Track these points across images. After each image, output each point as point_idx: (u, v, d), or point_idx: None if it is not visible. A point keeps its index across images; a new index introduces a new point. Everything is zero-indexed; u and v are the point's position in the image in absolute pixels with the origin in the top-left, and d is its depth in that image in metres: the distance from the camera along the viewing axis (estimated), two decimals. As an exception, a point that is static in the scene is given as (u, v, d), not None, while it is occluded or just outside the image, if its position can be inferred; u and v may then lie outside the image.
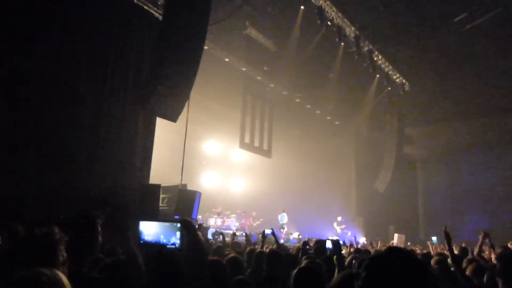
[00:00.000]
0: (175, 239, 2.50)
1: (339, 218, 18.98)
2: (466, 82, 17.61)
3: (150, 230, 2.66)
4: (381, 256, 1.38)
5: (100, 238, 2.16)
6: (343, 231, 19.05)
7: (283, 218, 17.47)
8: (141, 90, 9.53)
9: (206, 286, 2.24)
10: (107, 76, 8.94)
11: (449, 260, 4.46)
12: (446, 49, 16.06)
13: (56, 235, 1.57)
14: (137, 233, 2.68)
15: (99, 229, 2.16)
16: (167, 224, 2.67)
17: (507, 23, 14.07)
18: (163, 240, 2.57)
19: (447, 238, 4.50)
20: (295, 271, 2.72)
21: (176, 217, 10.00)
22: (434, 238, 19.17)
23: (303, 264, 2.86)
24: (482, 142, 20.10)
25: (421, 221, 22.25)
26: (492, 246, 5.79)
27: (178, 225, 2.49)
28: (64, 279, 1.28)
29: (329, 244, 4.05)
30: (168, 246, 2.53)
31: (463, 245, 9.66)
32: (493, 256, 6.42)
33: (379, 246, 11.55)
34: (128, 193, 8.88)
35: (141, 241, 2.59)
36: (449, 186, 21.31)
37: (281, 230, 16.76)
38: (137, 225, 2.70)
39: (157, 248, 2.37)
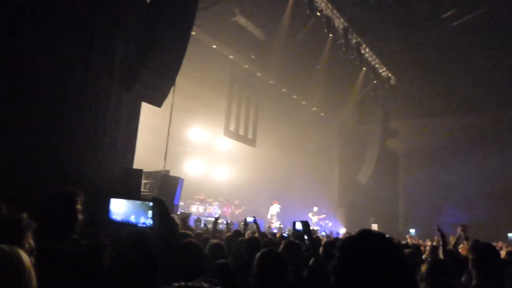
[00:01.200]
0: (146, 218, 2.45)
1: (315, 209, 19.13)
2: (451, 78, 17.86)
3: (120, 208, 2.60)
4: (354, 236, 1.40)
5: (79, 216, 2.11)
6: (321, 221, 19.26)
7: (274, 209, 17.67)
8: (126, 74, 9.39)
9: (178, 266, 2.23)
10: (92, 59, 8.77)
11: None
12: (432, 44, 16.24)
13: (23, 222, 1.53)
14: (106, 211, 2.63)
15: (79, 206, 2.11)
16: (138, 202, 2.61)
17: (493, 21, 14.27)
18: (133, 219, 2.51)
19: (442, 235, 4.95)
20: (257, 256, 2.71)
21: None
22: (412, 231, 19.57)
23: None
24: (464, 138, 20.46)
25: (400, 213, 22.64)
26: (466, 239, 5.98)
27: (151, 204, 2.43)
28: (25, 257, 1.25)
29: (299, 226, 4.11)
30: (139, 225, 2.48)
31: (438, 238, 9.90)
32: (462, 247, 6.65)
33: None
34: (110, 177, 8.79)
35: (111, 220, 2.53)
36: (430, 181, 21.68)
37: (271, 221, 16.89)
38: (108, 202, 2.63)
39: (127, 227, 2.32)
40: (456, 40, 15.53)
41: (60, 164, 7.68)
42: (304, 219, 3.87)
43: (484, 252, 3.09)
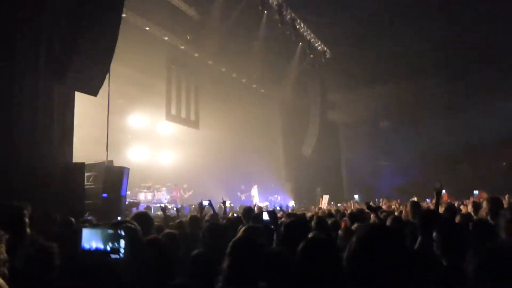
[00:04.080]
0: (118, 247, 2.36)
1: (243, 187, 19.52)
2: (383, 48, 18.63)
3: (92, 238, 2.48)
4: (372, 231, 1.53)
5: (28, 230, 2.00)
6: (270, 196, 19.78)
7: (255, 191, 17.93)
8: (56, 63, 8.82)
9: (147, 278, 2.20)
10: (16, 49, 8.12)
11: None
12: (364, 17, 16.77)
13: None
14: (78, 241, 2.50)
15: (27, 220, 1.99)
16: (110, 231, 2.50)
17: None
18: (104, 247, 2.41)
19: (437, 196, 5.06)
20: (230, 243, 2.63)
21: (104, 195, 9.65)
22: (356, 196, 20.60)
23: (240, 234, 2.87)
24: (398, 106, 21.60)
25: (344, 182, 23.70)
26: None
27: (123, 233, 2.35)
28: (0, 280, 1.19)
29: (265, 216, 4.12)
30: (111, 255, 2.39)
31: (384, 201, 10.57)
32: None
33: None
34: (49, 173, 8.33)
35: (82, 249, 2.42)
36: (369, 148, 22.83)
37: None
38: (80, 233, 2.51)
39: (98, 257, 2.23)
40: (385, 11, 16.16)
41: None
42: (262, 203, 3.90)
43: (424, 216, 3.33)
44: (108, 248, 2.12)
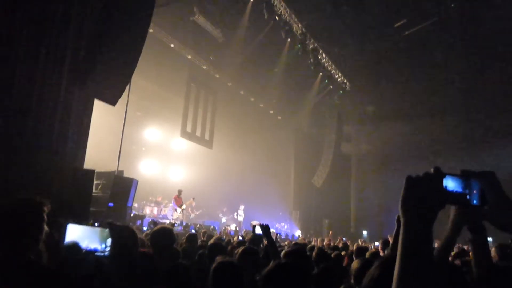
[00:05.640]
0: (104, 245, 2.32)
1: (224, 209, 19.18)
2: (402, 84, 18.64)
3: (77, 235, 2.43)
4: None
5: (45, 227, 1.98)
6: (277, 223, 19.47)
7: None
8: (79, 70, 9.00)
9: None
10: (41, 53, 8.32)
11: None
12: (385, 52, 16.86)
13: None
14: (62, 237, 2.46)
15: (45, 217, 1.98)
16: (97, 229, 2.46)
17: (440, 32, 15.04)
18: (90, 246, 2.37)
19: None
20: (212, 266, 2.63)
21: (110, 204, 9.63)
22: (364, 232, 20.19)
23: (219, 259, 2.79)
24: (414, 142, 21.37)
25: (352, 216, 23.30)
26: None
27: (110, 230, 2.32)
28: None
29: (259, 230, 4.03)
30: (96, 253, 2.34)
31: (390, 238, 10.30)
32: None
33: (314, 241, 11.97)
34: (59, 176, 8.38)
35: (66, 245, 2.38)
36: (381, 183, 22.49)
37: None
38: (65, 228, 2.47)
39: (83, 256, 2.19)
40: (406, 48, 16.24)
41: (6, 167, 7.23)
42: (265, 223, 3.83)
43: None
44: (95, 245, 2.09)
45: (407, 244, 0.99)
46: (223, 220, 18.38)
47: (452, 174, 1.02)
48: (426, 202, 1.01)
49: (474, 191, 1.03)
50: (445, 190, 1.02)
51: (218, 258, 2.69)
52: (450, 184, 1.02)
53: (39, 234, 1.96)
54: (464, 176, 1.03)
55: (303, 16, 15.63)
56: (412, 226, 1.01)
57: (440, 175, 1.02)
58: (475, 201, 1.03)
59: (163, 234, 3.42)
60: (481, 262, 1.76)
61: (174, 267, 3.02)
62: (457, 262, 4.20)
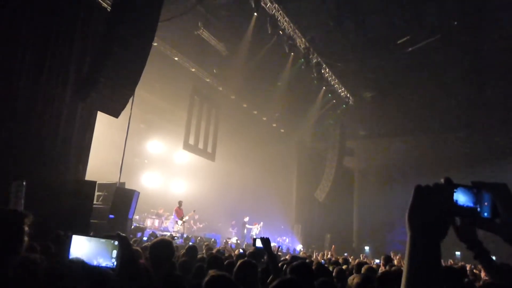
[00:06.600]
0: (110, 259, 2.27)
1: (233, 222, 19.07)
2: (405, 100, 18.65)
3: (82, 247, 2.38)
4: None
5: (26, 238, 1.97)
6: (278, 237, 19.30)
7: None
8: (82, 82, 9.08)
9: None
10: (45, 65, 8.41)
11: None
12: (388, 68, 16.93)
13: None
14: (66, 249, 2.43)
15: (26, 228, 1.97)
16: (102, 240, 2.41)
17: (444, 49, 15.10)
18: (95, 261, 2.32)
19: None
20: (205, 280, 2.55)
21: (111, 216, 9.62)
22: (366, 248, 20.00)
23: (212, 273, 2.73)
24: (417, 158, 21.30)
25: (354, 231, 23.12)
26: None
27: (116, 242, 2.26)
28: None
29: (259, 243, 3.98)
30: (102, 267, 2.29)
31: (398, 257, 10.25)
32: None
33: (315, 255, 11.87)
34: (60, 187, 8.39)
35: (70, 259, 2.34)
36: (383, 199, 22.34)
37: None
38: (69, 239, 2.43)
39: (89, 269, 2.15)
40: (410, 64, 16.30)
41: (7, 176, 7.24)
42: (266, 236, 3.79)
43: None
44: (102, 257, 2.06)
45: (413, 258, 0.95)
46: (233, 234, 18.28)
47: (463, 186, 1.00)
48: (435, 214, 0.98)
49: (485, 203, 1.00)
50: (455, 203, 0.99)
51: (211, 272, 2.66)
52: (461, 198, 0.99)
53: (19, 247, 1.95)
54: (475, 188, 1.01)
55: (306, 31, 15.75)
56: (419, 239, 0.97)
57: (451, 186, 0.99)
58: (486, 214, 1.00)
59: (162, 246, 3.41)
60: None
61: (166, 278, 3.00)
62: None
